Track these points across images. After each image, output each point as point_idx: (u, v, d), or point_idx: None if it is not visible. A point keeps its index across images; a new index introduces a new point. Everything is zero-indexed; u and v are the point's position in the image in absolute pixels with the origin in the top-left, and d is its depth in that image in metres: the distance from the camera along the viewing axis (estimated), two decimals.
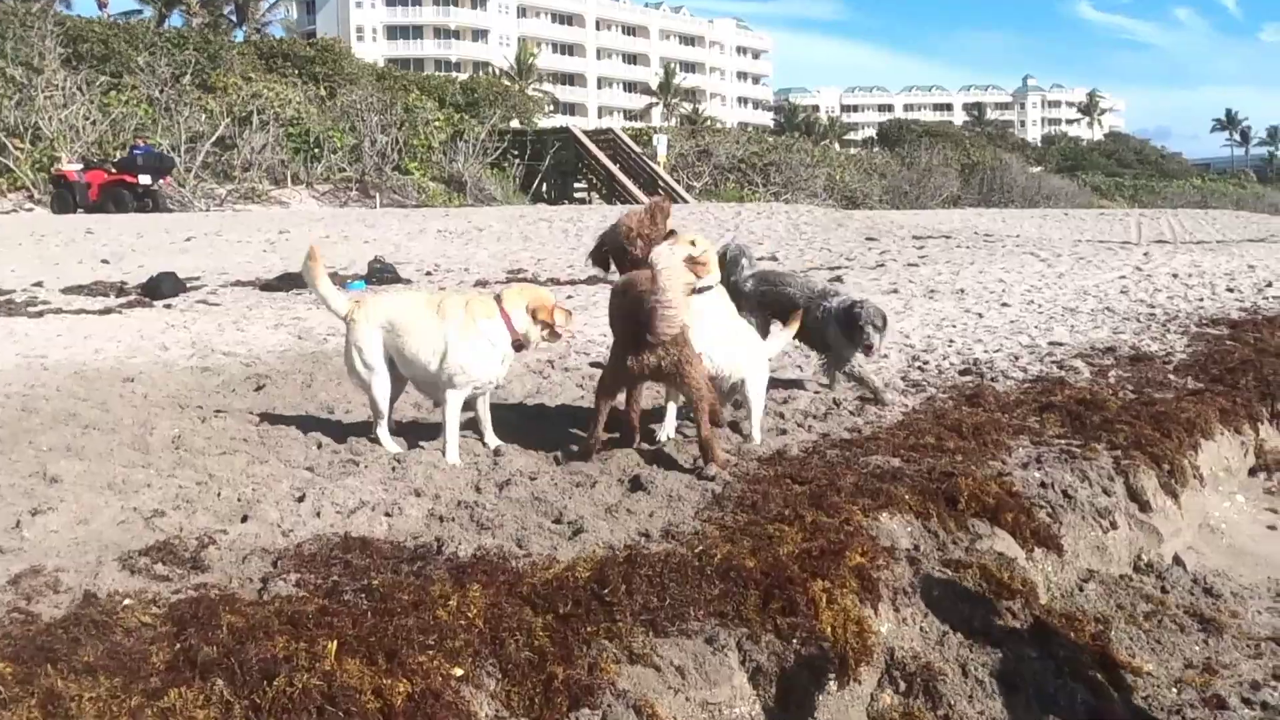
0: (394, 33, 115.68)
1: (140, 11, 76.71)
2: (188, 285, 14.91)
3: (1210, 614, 5.12)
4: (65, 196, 31.19)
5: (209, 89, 41.83)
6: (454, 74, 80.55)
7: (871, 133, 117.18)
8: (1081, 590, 5.22)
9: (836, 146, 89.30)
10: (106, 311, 12.27)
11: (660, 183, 44.56)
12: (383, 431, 5.96)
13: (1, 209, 32.63)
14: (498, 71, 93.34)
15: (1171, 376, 8.63)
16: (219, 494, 4.88)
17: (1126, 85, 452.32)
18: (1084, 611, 4.92)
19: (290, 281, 15.09)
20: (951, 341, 10.24)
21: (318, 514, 4.61)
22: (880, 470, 5.49)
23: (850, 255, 19.32)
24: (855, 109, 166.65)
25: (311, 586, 3.77)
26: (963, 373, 8.81)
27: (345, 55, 54.87)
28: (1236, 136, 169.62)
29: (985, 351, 9.81)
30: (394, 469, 5.38)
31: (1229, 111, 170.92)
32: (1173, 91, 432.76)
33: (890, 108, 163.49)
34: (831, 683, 3.90)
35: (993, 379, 8.50)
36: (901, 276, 15.72)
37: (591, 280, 15.99)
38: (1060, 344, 10.11)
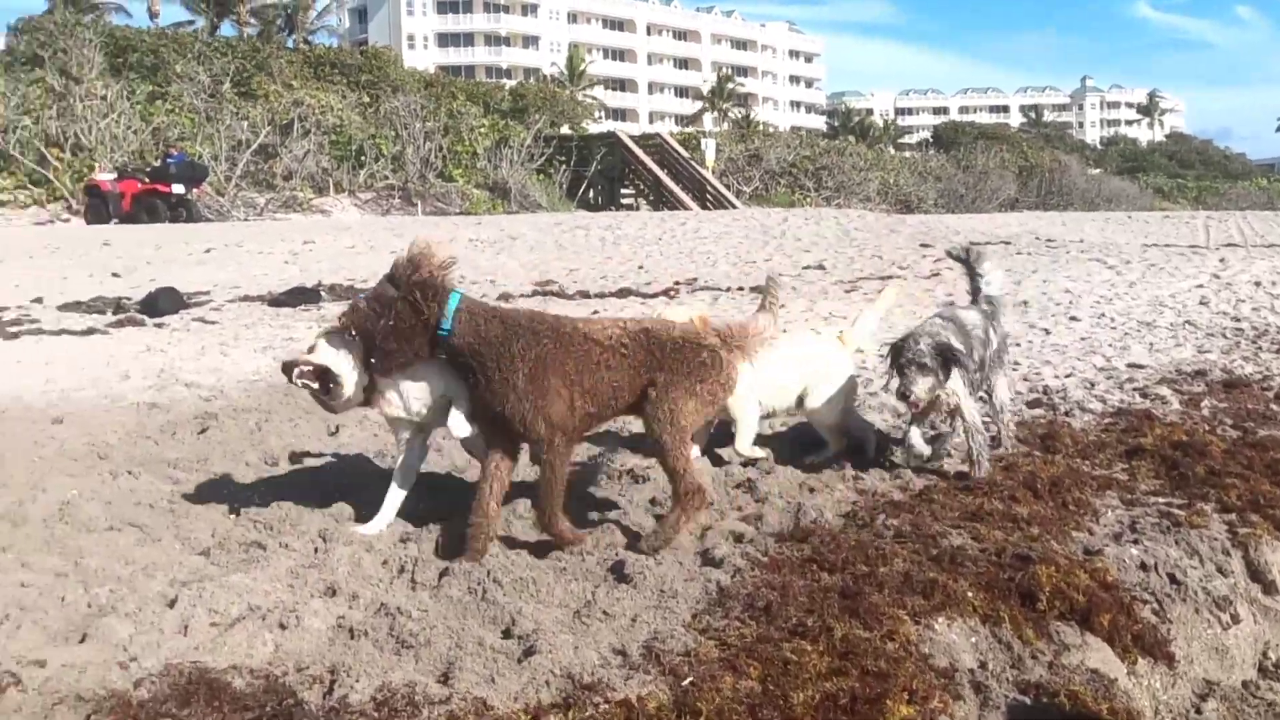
0: (445, 40, 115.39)
1: (193, 22, 76.93)
2: (190, 301, 13.96)
3: None
4: (99, 207, 30.48)
5: (251, 97, 41.28)
6: (504, 80, 79.85)
7: (926, 136, 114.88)
8: (1199, 712, 4.01)
9: (891, 150, 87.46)
10: (89, 332, 11.28)
11: (709, 188, 43.44)
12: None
13: (39, 220, 32.13)
14: (548, 78, 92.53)
15: (1275, 407, 7.42)
16: (64, 598, 3.69)
17: (1186, 85, 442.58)
18: None
19: (300, 296, 14.21)
20: (1017, 364, 8.98)
21: (184, 629, 3.43)
22: (936, 551, 4.28)
23: (903, 264, 17.99)
24: (910, 112, 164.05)
25: None
26: (1032, 404, 7.64)
27: (392, 63, 54.18)
28: None
29: (1056, 377, 8.61)
30: (314, 552, 4.20)
31: None
32: (1234, 91, 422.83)
33: (945, 110, 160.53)
34: None
35: (1067, 412, 7.32)
36: (959, 287, 14.36)
37: (622, 293, 15.01)
38: (1140, 366, 8.93)
